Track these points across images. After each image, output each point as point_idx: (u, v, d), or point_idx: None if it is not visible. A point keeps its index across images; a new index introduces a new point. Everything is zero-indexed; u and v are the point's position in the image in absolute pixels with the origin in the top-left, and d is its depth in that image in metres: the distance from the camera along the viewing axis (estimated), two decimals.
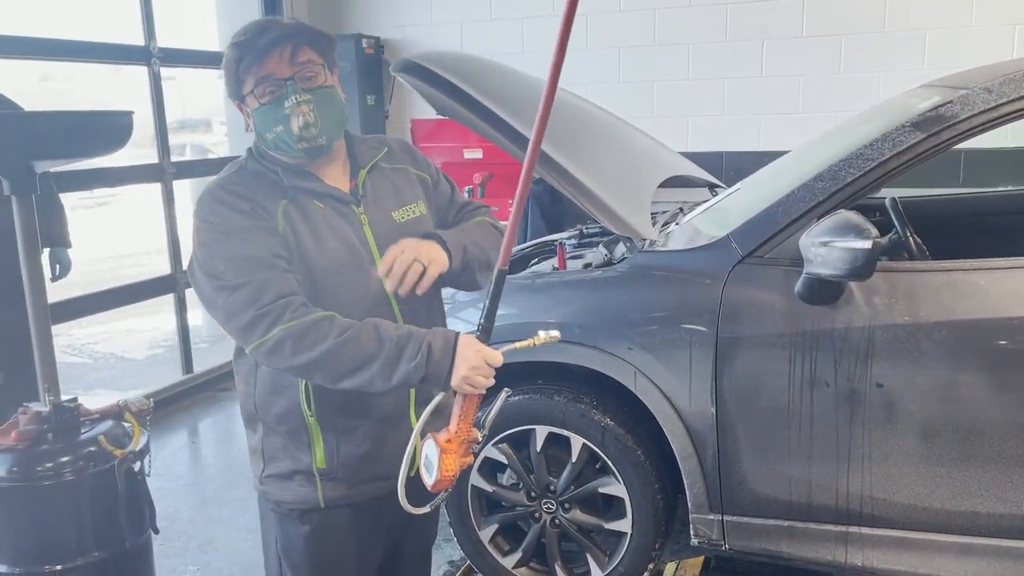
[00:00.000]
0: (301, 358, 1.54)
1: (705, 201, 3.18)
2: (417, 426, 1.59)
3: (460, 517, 2.78)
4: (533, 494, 2.70)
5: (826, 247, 2.08)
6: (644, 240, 2.63)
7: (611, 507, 2.64)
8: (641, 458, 2.51)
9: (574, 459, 2.59)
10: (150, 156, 5.09)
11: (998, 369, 2.13)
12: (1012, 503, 2.16)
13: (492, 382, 1.58)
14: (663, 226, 2.94)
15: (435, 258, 1.67)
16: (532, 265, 3.21)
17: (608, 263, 2.80)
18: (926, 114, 2.23)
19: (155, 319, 6.84)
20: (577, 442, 2.57)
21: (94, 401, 2.37)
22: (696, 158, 3.68)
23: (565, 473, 2.63)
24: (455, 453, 1.55)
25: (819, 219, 2.19)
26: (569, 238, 3.42)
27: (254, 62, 1.60)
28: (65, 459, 2.15)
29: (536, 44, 5.82)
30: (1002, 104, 2.16)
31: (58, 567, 2.16)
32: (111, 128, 2.28)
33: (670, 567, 2.83)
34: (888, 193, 3.00)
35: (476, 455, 1.62)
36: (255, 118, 1.64)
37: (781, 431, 2.29)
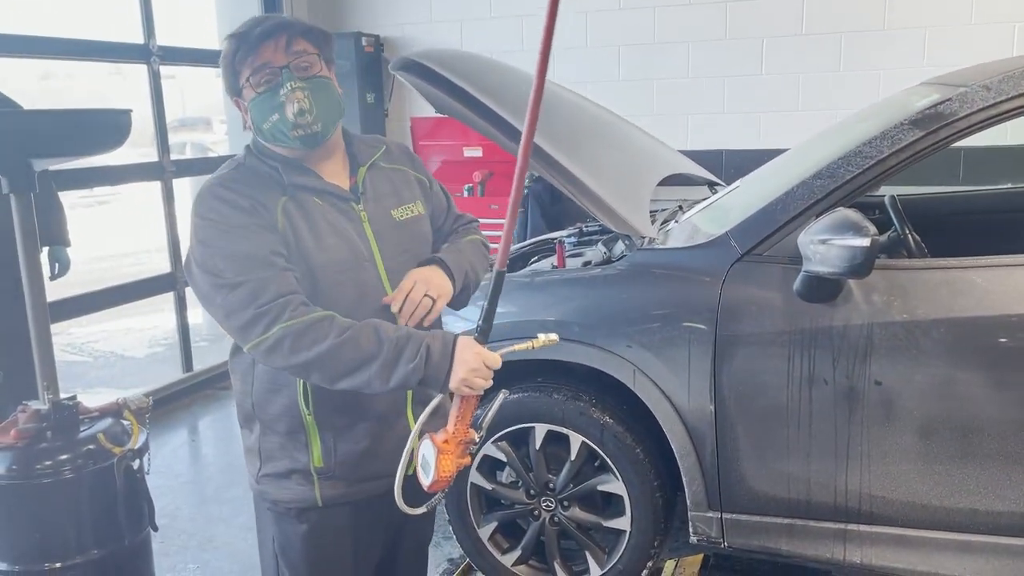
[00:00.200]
0: (300, 357, 1.53)
1: (704, 199, 3.19)
2: (415, 427, 1.59)
3: (459, 515, 2.78)
4: (532, 492, 2.70)
5: (825, 245, 2.07)
6: (643, 238, 2.64)
7: (610, 505, 2.64)
8: (640, 456, 2.51)
9: (573, 457, 2.60)
10: (150, 154, 5.09)
11: (997, 367, 2.13)
12: (1010, 500, 2.17)
13: (490, 384, 1.58)
14: (662, 224, 2.94)
15: (443, 291, 1.74)
16: (532, 263, 3.22)
17: (607, 261, 2.81)
18: (925, 112, 2.23)
19: (155, 317, 6.85)
20: (576, 440, 2.57)
21: (93, 399, 2.37)
22: (696, 156, 3.68)
23: (564, 471, 2.63)
24: (452, 454, 1.55)
25: (818, 217, 2.19)
26: (569, 236, 3.42)
27: (249, 52, 1.61)
28: (64, 457, 2.16)
29: (535, 42, 5.69)
30: (1001, 102, 2.16)
31: (57, 565, 2.17)
32: (109, 126, 2.28)
33: (669, 565, 2.83)
34: (888, 191, 3.01)
35: (473, 456, 1.61)
36: (251, 109, 1.64)
37: (780, 429, 2.29)
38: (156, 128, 5.02)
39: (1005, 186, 4.06)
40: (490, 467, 2.77)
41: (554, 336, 1.64)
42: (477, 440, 1.59)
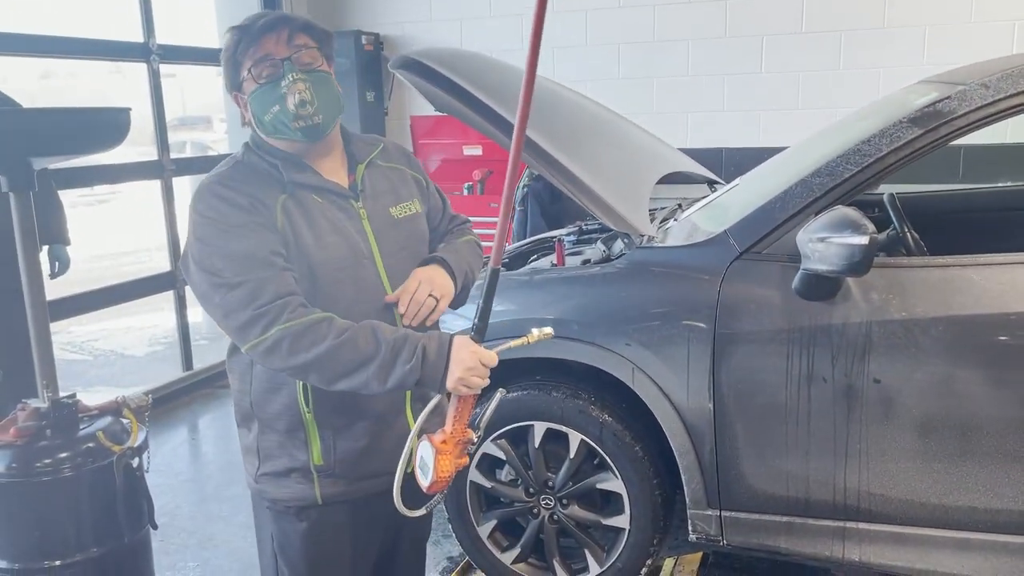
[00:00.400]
0: (298, 359, 1.54)
1: (704, 197, 3.19)
2: (415, 428, 1.59)
3: (459, 513, 2.79)
4: (531, 490, 2.70)
5: (823, 243, 2.07)
6: (642, 236, 2.64)
7: (609, 503, 2.64)
8: (639, 454, 2.51)
9: (572, 455, 2.60)
10: (150, 153, 5.09)
11: (995, 365, 2.13)
12: (1009, 498, 2.17)
13: (487, 382, 1.58)
14: (661, 222, 2.94)
15: (446, 290, 1.76)
16: (531, 261, 3.22)
17: (606, 259, 2.81)
18: (923, 110, 2.24)
19: (155, 316, 6.85)
20: (575, 438, 2.57)
21: (93, 398, 2.37)
22: (695, 154, 3.68)
23: (563, 469, 2.63)
24: (450, 454, 1.55)
25: (817, 215, 2.19)
26: (568, 234, 3.42)
27: (251, 43, 1.61)
28: (63, 455, 2.16)
29: None
30: (999, 100, 2.16)
31: (57, 563, 2.16)
32: (108, 125, 2.28)
33: (668, 563, 2.84)
34: (887, 189, 3.01)
35: (471, 456, 1.62)
36: (252, 102, 1.64)
37: (778, 427, 2.30)
38: (156, 127, 5.02)
39: (1004, 184, 4.07)
40: (489, 465, 2.77)
41: (548, 330, 1.64)
42: (475, 440, 1.59)
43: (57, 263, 3.59)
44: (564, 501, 2.67)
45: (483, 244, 1.95)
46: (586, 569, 2.69)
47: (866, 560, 2.31)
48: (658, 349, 2.39)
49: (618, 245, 2.88)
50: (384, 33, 6.27)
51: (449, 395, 1.59)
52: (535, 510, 2.72)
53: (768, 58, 5.35)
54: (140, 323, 7.01)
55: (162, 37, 4.98)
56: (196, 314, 5.55)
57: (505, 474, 2.78)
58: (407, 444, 1.59)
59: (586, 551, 2.68)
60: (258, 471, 1.75)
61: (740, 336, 2.30)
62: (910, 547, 2.27)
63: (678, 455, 2.42)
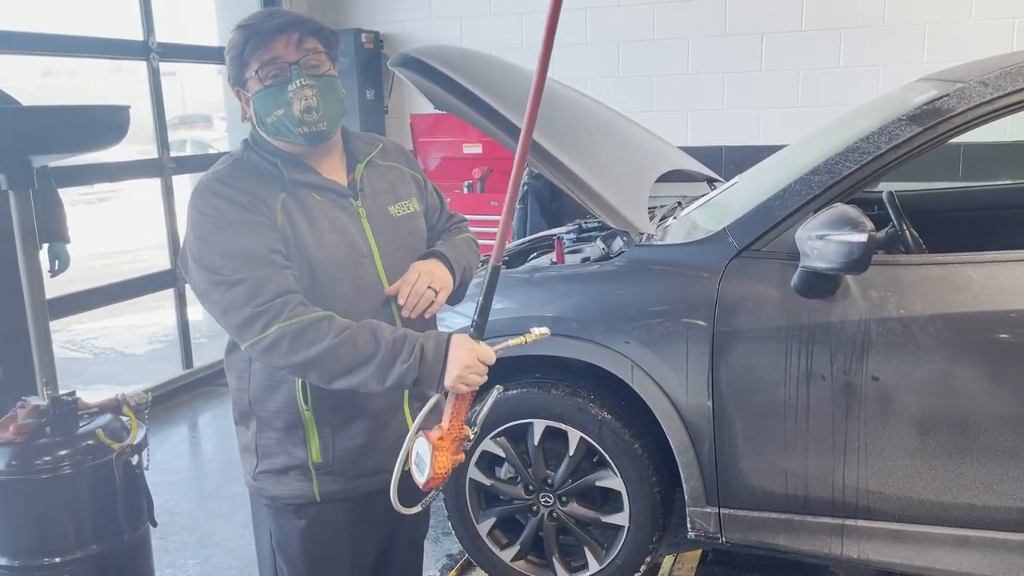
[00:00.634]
0: (297, 357, 1.54)
1: (703, 195, 3.19)
2: (414, 426, 1.59)
3: (458, 510, 2.79)
4: (531, 488, 2.71)
5: (822, 241, 2.08)
6: (641, 234, 2.64)
7: (608, 500, 2.65)
8: (638, 451, 2.51)
9: (571, 452, 2.60)
10: (150, 151, 5.10)
11: (993, 362, 2.14)
12: (1007, 495, 2.17)
13: (485, 379, 1.58)
14: (661, 220, 2.94)
15: (445, 284, 1.77)
16: (531, 259, 3.22)
17: (606, 257, 2.81)
18: (922, 108, 2.24)
19: (155, 314, 6.86)
20: (574, 436, 2.58)
21: (93, 395, 2.38)
22: (695, 152, 3.68)
23: (562, 467, 2.63)
24: (447, 451, 1.56)
25: (816, 213, 2.19)
26: (568, 232, 3.43)
27: (260, 45, 1.61)
28: (63, 452, 2.16)
29: (535, 39, 5.80)
30: (998, 98, 2.16)
31: (56, 560, 2.17)
32: (107, 122, 2.28)
33: (667, 560, 2.84)
34: (886, 187, 3.01)
35: (468, 453, 1.62)
36: (256, 102, 1.64)
37: (777, 424, 2.30)
38: (156, 125, 5.03)
39: (1003, 182, 4.06)
40: (489, 463, 2.77)
41: (545, 330, 1.65)
42: (472, 436, 1.60)
43: (57, 261, 3.59)
44: (563, 499, 2.67)
45: (484, 242, 1.95)
46: (585, 567, 2.69)
47: (865, 557, 2.32)
48: (657, 347, 2.39)
49: (617, 243, 2.88)
50: (384, 31, 6.27)
51: (447, 393, 1.59)
52: (534, 507, 2.72)
53: (768, 56, 5.35)
54: (140, 321, 7.02)
55: (162, 35, 4.98)
56: (196, 312, 5.56)
57: (504, 472, 2.79)
58: (405, 442, 1.59)
59: (585, 548, 2.68)
60: (256, 469, 1.75)
61: (739, 334, 2.30)
62: (909, 544, 2.27)
63: (677, 452, 2.43)
